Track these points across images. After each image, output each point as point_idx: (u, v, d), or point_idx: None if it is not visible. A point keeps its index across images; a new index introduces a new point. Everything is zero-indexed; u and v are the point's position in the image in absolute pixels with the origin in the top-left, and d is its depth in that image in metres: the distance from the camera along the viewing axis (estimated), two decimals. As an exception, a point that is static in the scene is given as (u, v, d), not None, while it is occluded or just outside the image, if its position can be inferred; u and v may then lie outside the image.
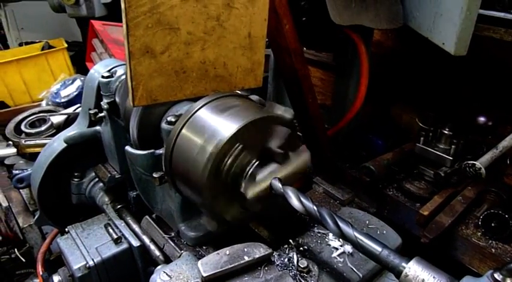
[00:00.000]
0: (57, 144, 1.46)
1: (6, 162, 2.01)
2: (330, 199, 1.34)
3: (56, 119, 2.09)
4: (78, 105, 2.18)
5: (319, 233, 1.00)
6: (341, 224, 0.74)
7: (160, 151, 0.99)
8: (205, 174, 0.76)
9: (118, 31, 2.21)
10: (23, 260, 2.20)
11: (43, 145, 1.91)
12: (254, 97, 1.07)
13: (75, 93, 2.36)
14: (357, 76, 1.57)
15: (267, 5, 1.00)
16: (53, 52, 2.66)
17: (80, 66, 2.81)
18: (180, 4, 0.86)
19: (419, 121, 1.69)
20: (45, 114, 2.25)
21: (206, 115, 0.86)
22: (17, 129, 2.18)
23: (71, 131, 1.43)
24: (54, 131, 2.07)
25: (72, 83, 2.45)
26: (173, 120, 0.94)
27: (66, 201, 1.51)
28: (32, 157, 1.92)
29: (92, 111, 1.32)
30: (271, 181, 0.81)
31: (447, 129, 1.50)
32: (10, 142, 2.13)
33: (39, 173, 1.42)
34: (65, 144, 1.42)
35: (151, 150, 0.99)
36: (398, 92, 1.95)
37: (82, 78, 2.44)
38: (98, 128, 1.42)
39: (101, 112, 1.34)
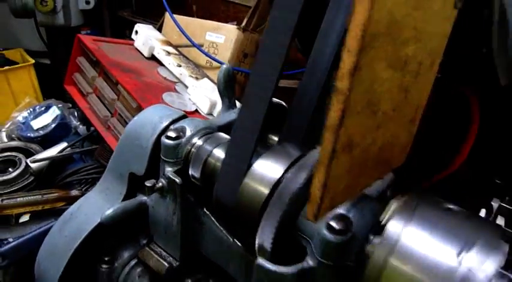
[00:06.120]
0: (81, 220, 1.08)
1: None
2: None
3: (36, 164, 1.61)
4: (64, 144, 1.73)
5: None
6: None
7: (310, 264, 0.71)
8: None
9: (118, 51, 1.78)
10: None
11: (28, 204, 1.46)
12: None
13: (52, 126, 1.88)
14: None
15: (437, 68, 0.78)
16: (15, 69, 2.11)
17: (47, 86, 2.29)
18: (391, 76, 0.60)
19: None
20: (14, 153, 1.74)
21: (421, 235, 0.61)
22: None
23: (104, 205, 1.06)
24: (33, 182, 1.59)
25: (45, 111, 1.95)
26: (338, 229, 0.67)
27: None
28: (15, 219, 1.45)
29: (149, 184, 0.96)
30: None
31: None
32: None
33: (59, 264, 1.03)
34: (96, 222, 1.05)
35: (300, 266, 0.71)
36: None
37: (60, 106, 1.95)
38: (143, 198, 1.06)
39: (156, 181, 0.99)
